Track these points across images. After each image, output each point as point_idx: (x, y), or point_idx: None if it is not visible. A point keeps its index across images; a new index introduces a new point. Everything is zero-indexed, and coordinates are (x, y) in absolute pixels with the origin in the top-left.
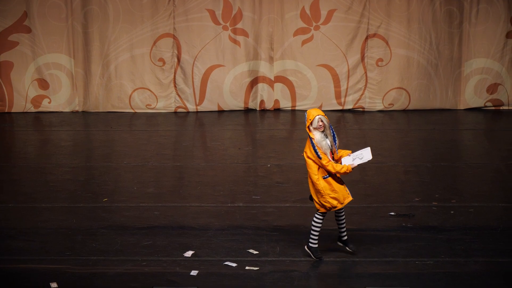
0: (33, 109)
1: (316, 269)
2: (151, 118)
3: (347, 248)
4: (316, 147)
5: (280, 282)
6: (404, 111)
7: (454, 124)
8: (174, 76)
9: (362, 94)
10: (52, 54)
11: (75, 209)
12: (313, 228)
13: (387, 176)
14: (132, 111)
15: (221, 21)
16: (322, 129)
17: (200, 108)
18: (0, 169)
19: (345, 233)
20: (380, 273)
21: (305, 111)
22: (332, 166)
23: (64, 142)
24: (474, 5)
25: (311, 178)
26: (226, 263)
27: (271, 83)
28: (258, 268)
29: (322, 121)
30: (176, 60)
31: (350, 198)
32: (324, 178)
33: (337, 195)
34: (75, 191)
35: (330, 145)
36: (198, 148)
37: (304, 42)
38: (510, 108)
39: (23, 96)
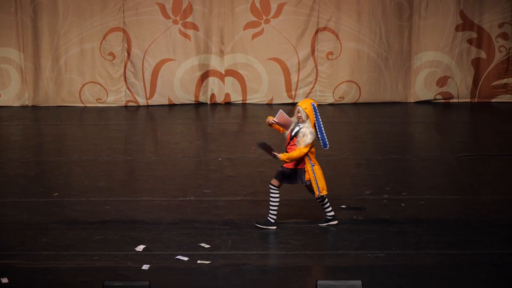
0: None
1: (268, 263)
2: (102, 112)
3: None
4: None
5: (232, 275)
6: (355, 104)
7: (404, 117)
8: (124, 70)
9: (312, 88)
10: (1, 48)
11: (26, 204)
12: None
13: (338, 169)
14: (82, 105)
15: (171, 15)
16: (301, 120)
17: (150, 102)
18: None
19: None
20: (332, 265)
21: (256, 104)
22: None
23: (14, 137)
24: None
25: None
26: (178, 257)
27: (221, 76)
28: (210, 262)
29: (300, 112)
30: (126, 54)
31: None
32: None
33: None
34: (25, 185)
35: (287, 135)
36: (149, 142)
37: (254, 36)
38: (460, 101)
39: None
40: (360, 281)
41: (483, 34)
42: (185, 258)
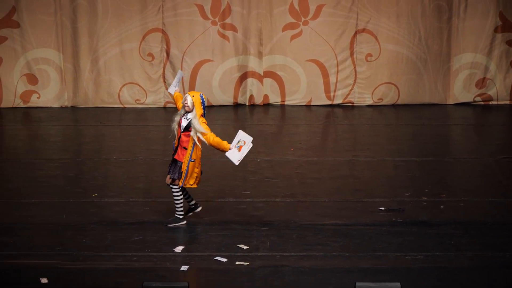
0: (22, 105)
1: (306, 264)
2: (141, 113)
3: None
4: None
5: (270, 277)
6: (394, 106)
7: (443, 118)
8: (163, 71)
9: (351, 89)
10: (41, 49)
11: (65, 205)
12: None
13: (377, 171)
14: (121, 106)
15: (210, 16)
16: (187, 108)
17: None
18: None
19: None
20: (370, 267)
21: (294, 105)
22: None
23: (53, 138)
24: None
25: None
26: (216, 258)
27: (260, 78)
28: (248, 263)
29: (186, 99)
30: (165, 55)
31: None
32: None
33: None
34: (64, 186)
35: (173, 126)
36: None
37: (293, 37)
38: (499, 103)
39: (12, 92)
40: (398, 283)
41: None
42: (224, 259)
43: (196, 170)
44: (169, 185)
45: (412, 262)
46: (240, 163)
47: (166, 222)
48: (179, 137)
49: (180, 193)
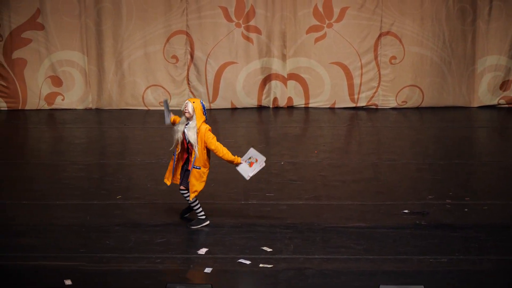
0: (46, 106)
1: (330, 267)
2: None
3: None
4: None
5: (294, 279)
6: (418, 108)
7: (467, 121)
8: (187, 73)
9: (375, 92)
10: (65, 51)
11: (89, 207)
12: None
13: (400, 174)
14: (145, 108)
15: (234, 18)
16: (187, 115)
17: (213, 106)
18: (14, 166)
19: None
20: (394, 270)
21: (318, 108)
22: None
23: (77, 140)
24: (487, 2)
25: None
26: (240, 260)
27: (284, 80)
28: (272, 266)
29: (187, 106)
30: (189, 57)
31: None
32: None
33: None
34: (88, 188)
35: (176, 136)
36: None
37: (317, 40)
38: None
39: (37, 94)
40: (422, 286)
41: None
42: (247, 262)
43: (204, 177)
44: (180, 191)
45: (436, 265)
46: (265, 165)
47: (189, 225)
48: (187, 148)
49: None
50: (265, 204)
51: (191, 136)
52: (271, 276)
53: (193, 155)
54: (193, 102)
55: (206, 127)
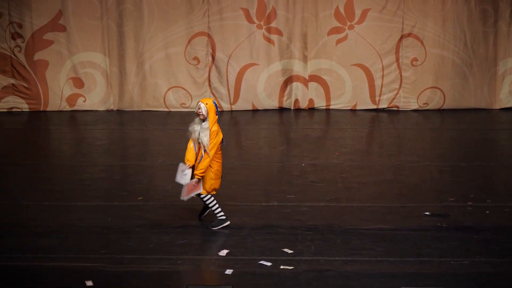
0: (68, 108)
1: (351, 269)
2: (186, 116)
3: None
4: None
5: (315, 281)
6: (439, 110)
7: (489, 123)
8: (209, 74)
9: (396, 94)
10: (87, 52)
11: (110, 208)
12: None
13: (422, 175)
14: (166, 109)
15: (255, 20)
16: (202, 117)
17: (234, 107)
18: (35, 167)
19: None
20: (415, 272)
21: (339, 110)
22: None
23: (99, 141)
24: (509, 4)
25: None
26: (260, 262)
27: (305, 82)
28: (292, 267)
29: (201, 108)
30: (210, 58)
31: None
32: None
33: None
34: (109, 189)
35: (194, 136)
36: (232, 147)
37: (338, 41)
38: None
39: (58, 95)
40: None
41: None
42: (268, 263)
43: (212, 175)
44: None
45: (457, 267)
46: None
47: (210, 226)
48: (198, 151)
49: (209, 197)
50: (286, 206)
51: (204, 138)
52: (292, 278)
53: (199, 156)
54: (206, 104)
55: (216, 129)
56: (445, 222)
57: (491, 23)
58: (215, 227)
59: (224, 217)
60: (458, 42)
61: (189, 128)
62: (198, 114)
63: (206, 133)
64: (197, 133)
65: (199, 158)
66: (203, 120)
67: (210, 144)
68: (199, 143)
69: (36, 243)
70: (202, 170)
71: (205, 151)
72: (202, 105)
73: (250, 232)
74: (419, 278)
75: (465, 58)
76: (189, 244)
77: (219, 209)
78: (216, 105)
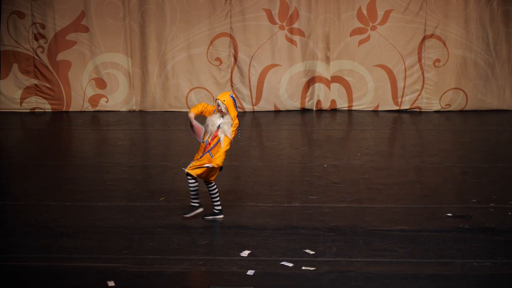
0: (90, 108)
1: (373, 270)
2: None
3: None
4: None
5: (337, 282)
6: (461, 111)
7: (511, 125)
8: (231, 75)
9: (419, 95)
10: (109, 53)
11: (132, 208)
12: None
13: (444, 177)
14: (188, 110)
15: (277, 21)
16: (222, 113)
17: (256, 108)
18: (58, 167)
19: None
20: (437, 274)
21: (362, 111)
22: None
23: (121, 141)
24: None
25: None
26: (282, 263)
27: (327, 83)
28: (314, 268)
29: (219, 105)
30: (233, 59)
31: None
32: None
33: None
34: (132, 190)
35: (212, 128)
36: (254, 147)
37: (360, 42)
38: None
39: (81, 95)
40: None
41: None
42: (290, 264)
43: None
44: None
45: (479, 269)
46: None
47: (184, 214)
48: (210, 135)
49: (215, 186)
50: (308, 207)
51: (227, 130)
52: (313, 279)
53: (213, 142)
54: (224, 100)
55: (237, 122)
56: (467, 223)
57: None
58: (187, 214)
59: (219, 209)
60: (480, 43)
61: (208, 119)
62: (218, 111)
63: (229, 126)
64: (215, 127)
65: (208, 147)
66: (222, 116)
67: (232, 134)
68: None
69: (59, 244)
70: (222, 158)
71: (217, 142)
72: (219, 102)
73: (272, 233)
74: (440, 280)
75: (488, 59)
76: (211, 244)
77: (219, 201)
78: (234, 99)
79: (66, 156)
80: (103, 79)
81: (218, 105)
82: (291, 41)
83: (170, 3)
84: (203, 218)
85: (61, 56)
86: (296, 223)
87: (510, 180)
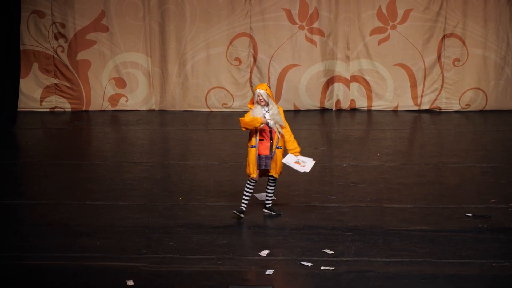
0: (110, 108)
1: (392, 270)
2: (227, 117)
3: (272, 212)
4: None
5: (355, 282)
6: (481, 111)
7: None
8: (250, 75)
9: (438, 94)
10: (129, 53)
11: (152, 207)
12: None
13: (464, 177)
14: (208, 110)
15: (297, 21)
16: (263, 103)
17: None
18: (77, 167)
19: (269, 201)
20: (456, 274)
21: (381, 110)
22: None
23: (140, 141)
24: None
25: None
26: (301, 262)
27: (347, 82)
28: (333, 268)
29: (261, 95)
30: (252, 59)
31: (254, 175)
32: (251, 147)
33: (249, 167)
34: (151, 189)
35: (269, 118)
36: None
37: (380, 42)
38: None
39: (101, 95)
40: None
41: None
42: (309, 264)
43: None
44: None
45: (498, 269)
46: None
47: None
48: (270, 132)
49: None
50: (327, 207)
51: (279, 119)
52: (332, 279)
53: (275, 138)
54: (266, 90)
55: (281, 108)
56: (487, 223)
57: None
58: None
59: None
60: (500, 42)
61: (252, 113)
62: (258, 102)
63: (278, 113)
64: (266, 118)
65: (275, 139)
66: (263, 106)
67: (284, 122)
68: (261, 130)
69: (78, 243)
70: (297, 147)
71: (279, 132)
72: (261, 91)
73: (291, 232)
74: (459, 280)
75: (508, 58)
76: (230, 244)
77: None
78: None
79: (85, 156)
80: (123, 79)
81: (259, 95)
82: (310, 41)
83: (190, 2)
84: (233, 212)
85: (81, 56)
86: (315, 223)
87: None
